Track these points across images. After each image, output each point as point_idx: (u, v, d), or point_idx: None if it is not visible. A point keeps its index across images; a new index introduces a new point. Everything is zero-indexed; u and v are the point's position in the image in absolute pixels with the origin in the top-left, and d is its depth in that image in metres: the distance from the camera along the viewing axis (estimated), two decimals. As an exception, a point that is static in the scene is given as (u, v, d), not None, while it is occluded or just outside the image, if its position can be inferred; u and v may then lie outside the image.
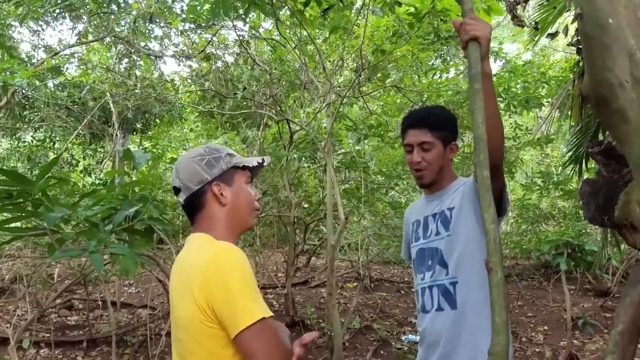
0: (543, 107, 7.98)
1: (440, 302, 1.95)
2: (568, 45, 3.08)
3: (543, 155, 12.34)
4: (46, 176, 1.92)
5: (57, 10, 7.08)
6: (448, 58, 7.15)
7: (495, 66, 8.20)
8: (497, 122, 1.66)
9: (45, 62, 7.13)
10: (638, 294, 1.44)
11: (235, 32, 5.83)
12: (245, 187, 1.50)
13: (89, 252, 1.75)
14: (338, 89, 5.80)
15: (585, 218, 2.92)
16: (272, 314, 1.30)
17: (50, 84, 8.13)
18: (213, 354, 1.32)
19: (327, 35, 5.82)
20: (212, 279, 1.28)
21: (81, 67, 8.23)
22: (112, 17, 7.21)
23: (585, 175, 4.22)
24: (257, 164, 1.52)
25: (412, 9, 4.82)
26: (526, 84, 6.77)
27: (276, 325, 1.36)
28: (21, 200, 1.98)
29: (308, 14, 5.75)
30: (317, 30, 5.96)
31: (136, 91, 7.21)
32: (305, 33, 5.17)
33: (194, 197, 1.45)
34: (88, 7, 6.73)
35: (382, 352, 5.57)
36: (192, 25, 7.00)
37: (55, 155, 7.78)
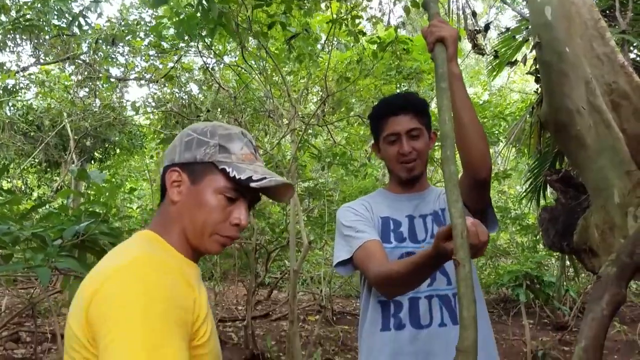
0: (500, 144, 8.22)
1: (444, 317, 1.63)
2: (527, 73, 3.19)
3: (500, 193, 12.66)
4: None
5: (18, 35, 6.90)
6: (411, 93, 7.32)
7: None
8: (476, 125, 1.55)
9: (1, 77, 6.91)
10: (600, 310, 1.44)
11: (201, 56, 5.81)
12: (212, 197, 1.04)
13: (35, 266, 1.63)
14: (303, 118, 5.83)
15: (545, 245, 2.97)
16: None
17: (7, 110, 7.87)
18: None
19: (293, 66, 5.86)
20: (96, 306, 0.89)
21: (39, 87, 8.00)
22: (73, 39, 7.07)
23: (544, 206, 4.32)
24: (245, 179, 1.03)
25: (375, 38, 4.93)
26: (485, 120, 6.96)
27: None
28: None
29: (274, 47, 5.81)
30: (283, 64, 6.01)
31: (95, 110, 6.99)
32: (271, 62, 5.19)
33: (162, 181, 1.11)
34: (49, 29, 6.58)
35: (342, 385, 5.44)
36: (155, 52, 6.94)
37: (4, 165, 7.35)
